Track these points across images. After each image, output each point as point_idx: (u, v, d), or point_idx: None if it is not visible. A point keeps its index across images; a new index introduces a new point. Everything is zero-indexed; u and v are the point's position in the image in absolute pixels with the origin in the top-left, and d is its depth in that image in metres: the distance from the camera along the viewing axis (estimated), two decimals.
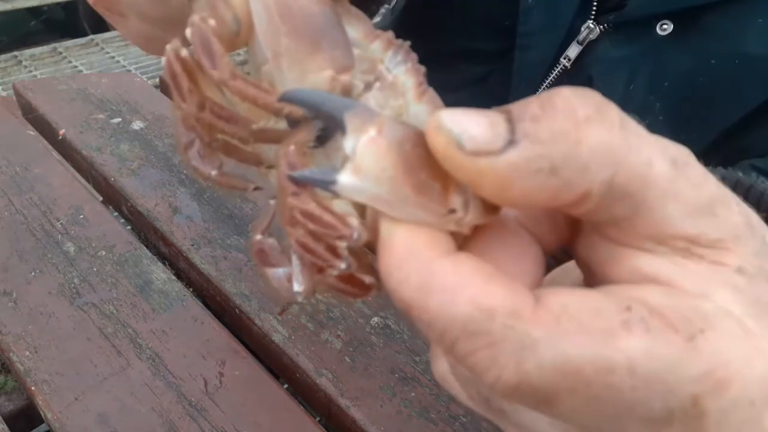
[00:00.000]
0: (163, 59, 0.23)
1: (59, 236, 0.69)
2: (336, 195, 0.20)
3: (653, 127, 0.21)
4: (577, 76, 0.65)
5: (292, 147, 0.21)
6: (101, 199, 0.79)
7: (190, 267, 0.68)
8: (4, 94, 2.00)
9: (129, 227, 0.76)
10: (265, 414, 0.53)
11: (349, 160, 0.19)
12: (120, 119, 0.88)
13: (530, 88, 0.66)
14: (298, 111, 0.21)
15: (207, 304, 0.65)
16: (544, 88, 0.67)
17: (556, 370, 0.18)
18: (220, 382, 0.55)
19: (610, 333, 0.18)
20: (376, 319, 0.62)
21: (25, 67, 2.27)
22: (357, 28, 0.25)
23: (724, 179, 0.22)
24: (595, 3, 0.62)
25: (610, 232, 0.20)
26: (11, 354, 0.56)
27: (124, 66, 2.32)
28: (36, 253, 0.67)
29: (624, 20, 0.61)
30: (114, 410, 0.52)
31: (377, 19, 0.80)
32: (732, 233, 0.20)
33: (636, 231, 0.20)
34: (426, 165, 0.19)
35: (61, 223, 0.71)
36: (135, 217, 0.75)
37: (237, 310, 0.63)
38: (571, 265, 0.25)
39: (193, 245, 0.69)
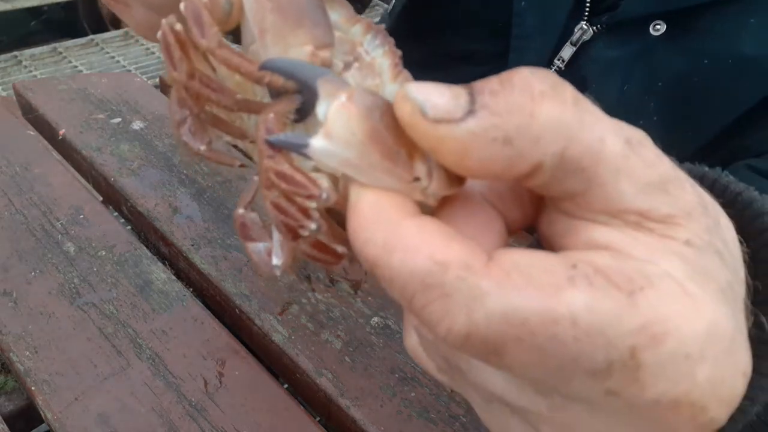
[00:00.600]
0: (159, 33, 0.25)
1: (59, 236, 0.69)
2: (308, 158, 0.21)
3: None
4: (571, 77, 0.65)
5: (271, 115, 0.22)
6: (101, 199, 0.79)
7: (190, 267, 0.68)
8: (4, 94, 2.00)
9: (129, 227, 0.76)
10: (265, 414, 0.53)
11: (321, 125, 0.20)
12: (120, 119, 0.88)
13: None
14: (278, 80, 0.23)
15: (207, 304, 0.65)
16: None
17: (504, 320, 0.19)
18: (220, 382, 0.55)
19: (556, 287, 0.19)
20: (376, 319, 0.62)
21: (25, 67, 2.27)
22: (339, 12, 0.27)
23: (690, 173, 0.23)
24: (588, 4, 0.62)
25: (567, 206, 0.22)
26: (11, 354, 0.56)
27: (124, 66, 2.32)
28: (36, 253, 0.67)
29: (617, 21, 0.61)
30: (114, 410, 0.52)
31: (375, 20, 0.80)
32: (683, 210, 0.21)
33: (590, 205, 0.21)
34: (393, 133, 0.20)
35: (61, 223, 0.71)
36: (135, 217, 0.75)
37: (237, 310, 0.63)
38: None
39: (193, 245, 0.69)
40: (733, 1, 0.55)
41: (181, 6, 0.24)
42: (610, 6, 0.61)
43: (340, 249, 0.24)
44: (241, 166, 0.28)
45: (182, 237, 0.70)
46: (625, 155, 0.20)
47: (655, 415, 0.20)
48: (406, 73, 0.26)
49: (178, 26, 0.24)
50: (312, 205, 0.22)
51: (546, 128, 0.19)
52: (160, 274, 0.66)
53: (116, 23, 2.35)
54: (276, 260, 0.26)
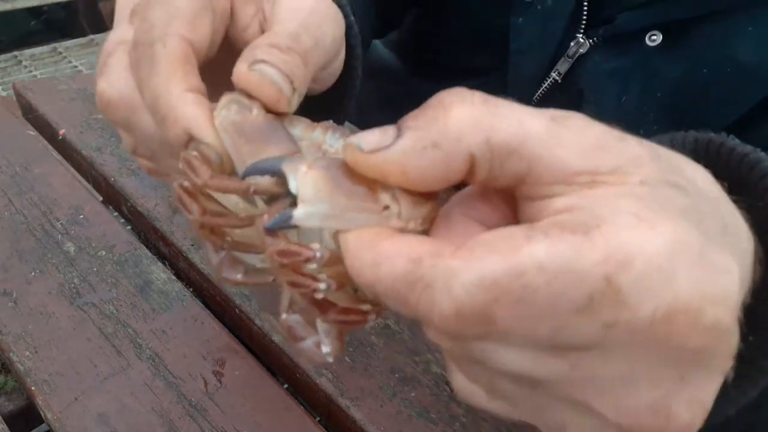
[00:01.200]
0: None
1: (59, 236, 0.69)
2: (296, 227, 0.25)
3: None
4: (568, 89, 0.65)
5: (265, 215, 0.26)
6: (101, 199, 0.79)
7: (190, 267, 0.68)
8: (4, 94, 2.00)
9: (129, 227, 0.76)
10: (265, 414, 0.53)
11: (297, 198, 0.24)
12: None
13: (522, 102, 0.66)
14: (262, 186, 0.26)
15: (207, 304, 0.65)
16: (535, 102, 0.68)
17: (480, 287, 0.21)
18: (220, 382, 0.55)
19: (515, 247, 0.21)
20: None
21: (25, 67, 2.27)
22: (299, 126, 0.32)
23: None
24: (584, 17, 0.62)
25: (525, 191, 0.24)
26: (11, 354, 0.56)
27: None
28: (36, 253, 0.67)
29: (613, 33, 0.61)
30: (114, 410, 0.52)
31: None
32: (630, 159, 0.22)
33: (540, 179, 0.23)
34: (351, 178, 0.24)
35: (61, 223, 0.71)
36: (135, 217, 0.75)
37: (237, 310, 0.63)
38: None
39: (193, 245, 0.69)
40: (730, 9, 0.55)
41: (180, 165, 0.29)
42: (607, 19, 0.61)
43: (365, 307, 0.28)
44: (274, 280, 0.32)
45: (182, 237, 0.70)
46: (550, 128, 0.23)
47: (659, 336, 0.21)
48: None
49: (185, 183, 0.29)
50: (312, 266, 0.25)
51: (461, 126, 0.22)
52: (160, 274, 0.66)
53: None
54: (326, 349, 0.30)
